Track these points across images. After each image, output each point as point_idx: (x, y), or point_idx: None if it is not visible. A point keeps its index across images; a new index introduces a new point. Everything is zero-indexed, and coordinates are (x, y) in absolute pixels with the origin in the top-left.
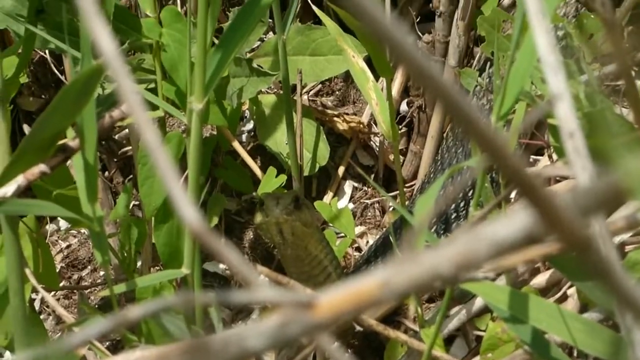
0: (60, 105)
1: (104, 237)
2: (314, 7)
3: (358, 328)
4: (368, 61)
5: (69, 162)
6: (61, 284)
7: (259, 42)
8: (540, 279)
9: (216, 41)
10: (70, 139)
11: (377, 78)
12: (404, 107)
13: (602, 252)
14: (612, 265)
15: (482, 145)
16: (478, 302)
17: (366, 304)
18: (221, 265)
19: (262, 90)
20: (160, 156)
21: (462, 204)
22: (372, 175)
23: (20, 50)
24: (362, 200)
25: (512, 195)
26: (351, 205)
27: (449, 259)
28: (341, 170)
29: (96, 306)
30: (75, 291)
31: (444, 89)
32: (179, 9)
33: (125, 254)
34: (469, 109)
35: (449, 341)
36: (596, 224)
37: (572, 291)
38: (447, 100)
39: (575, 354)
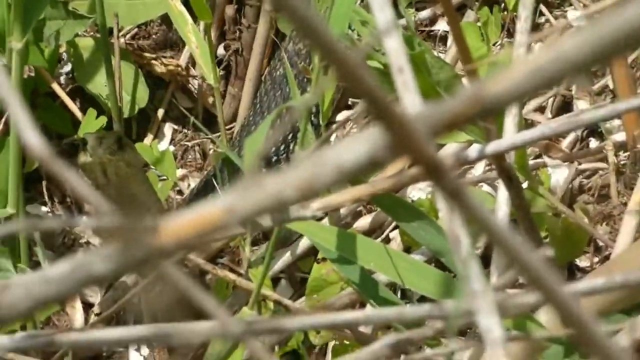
0: None
1: None
2: None
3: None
4: (186, 4)
5: None
6: None
7: None
8: (363, 222)
9: None
10: None
11: (195, 21)
12: (220, 51)
13: (453, 175)
14: (465, 188)
15: (332, 61)
16: (302, 245)
17: (211, 230)
18: (43, 208)
19: (79, 33)
20: (1, 82)
21: (282, 147)
22: (192, 118)
23: None
24: (182, 143)
25: (332, 138)
26: (172, 148)
27: (292, 184)
28: (160, 112)
29: None
30: None
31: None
32: None
33: None
34: (316, 23)
35: (273, 283)
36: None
37: (394, 234)
38: (294, 14)
39: (399, 295)
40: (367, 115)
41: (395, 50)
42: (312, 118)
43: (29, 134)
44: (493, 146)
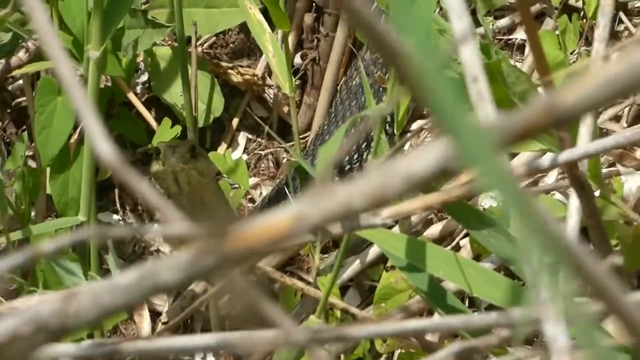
0: None
1: (2, 187)
2: None
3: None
4: (264, 12)
5: None
6: None
7: None
8: (434, 230)
9: None
10: None
11: (272, 30)
12: (297, 60)
13: (521, 186)
14: (532, 198)
15: (402, 72)
16: (372, 253)
17: (280, 237)
18: (115, 216)
19: (157, 42)
20: (74, 88)
21: (355, 156)
22: (266, 127)
23: None
24: (256, 152)
25: (406, 147)
26: (245, 157)
27: (362, 192)
28: (235, 122)
29: None
30: None
31: (364, 12)
32: None
33: (20, 204)
34: (390, 37)
35: (342, 291)
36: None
37: (464, 242)
38: (368, 27)
39: (467, 303)
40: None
41: (470, 59)
42: (387, 127)
43: (101, 143)
44: (566, 155)
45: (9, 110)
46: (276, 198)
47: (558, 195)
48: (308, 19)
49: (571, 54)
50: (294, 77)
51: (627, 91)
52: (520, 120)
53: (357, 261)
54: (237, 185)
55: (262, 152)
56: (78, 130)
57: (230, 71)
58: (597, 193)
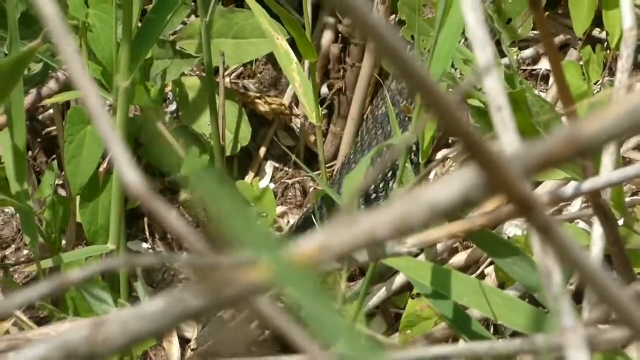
0: None
1: (33, 215)
2: None
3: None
4: (291, 43)
5: None
6: None
7: (182, 25)
8: (459, 258)
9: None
10: None
11: (299, 60)
12: (324, 90)
13: (546, 213)
14: (557, 226)
15: (429, 101)
16: (398, 281)
17: (305, 266)
18: (144, 245)
19: (186, 72)
20: (102, 118)
21: (381, 185)
22: (293, 157)
23: None
24: (283, 181)
25: (431, 176)
26: (272, 186)
27: (386, 222)
28: (262, 151)
29: (21, 284)
30: None
31: (391, 42)
32: None
33: (51, 233)
34: (417, 67)
35: (368, 319)
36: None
37: (489, 270)
38: (395, 57)
39: (492, 330)
40: (463, 154)
41: (494, 89)
42: (412, 156)
43: (129, 172)
44: (589, 184)
45: (39, 140)
46: (304, 227)
47: (582, 224)
48: (334, 49)
49: (595, 84)
50: (321, 106)
51: None
52: (543, 151)
53: (384, 289)
54: (264, 214)
55: (290, 181)
56: (107, 159)
57: (257, 101)
58: (620, 222)
